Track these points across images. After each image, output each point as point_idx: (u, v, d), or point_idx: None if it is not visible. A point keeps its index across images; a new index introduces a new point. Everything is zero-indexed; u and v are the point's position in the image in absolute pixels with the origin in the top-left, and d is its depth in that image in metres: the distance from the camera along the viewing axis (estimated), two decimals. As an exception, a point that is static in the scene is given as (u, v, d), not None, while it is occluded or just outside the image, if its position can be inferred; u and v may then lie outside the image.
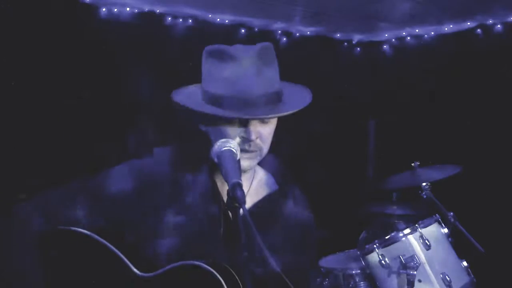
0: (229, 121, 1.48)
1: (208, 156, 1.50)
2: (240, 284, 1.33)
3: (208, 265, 1.36)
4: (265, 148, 1.56)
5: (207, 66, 1.53)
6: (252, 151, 1.51)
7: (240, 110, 1.44)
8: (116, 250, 1.45)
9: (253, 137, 1.48)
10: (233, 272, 1.36)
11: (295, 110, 1.49)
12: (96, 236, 1.45)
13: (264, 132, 1.53)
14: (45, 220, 1.48)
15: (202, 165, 1.58)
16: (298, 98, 1.57)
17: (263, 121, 1.51)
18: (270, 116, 1.47)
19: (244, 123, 1.49)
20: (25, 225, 1.48)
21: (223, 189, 1.57)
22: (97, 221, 1.49)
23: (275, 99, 1.50)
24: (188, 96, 1.55)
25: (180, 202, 1.52)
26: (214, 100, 1.48)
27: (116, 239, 1.47)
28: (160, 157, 1.62)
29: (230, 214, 1.52)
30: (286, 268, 1.54)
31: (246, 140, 1.49)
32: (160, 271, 1.42)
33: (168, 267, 1.42)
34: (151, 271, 1.44)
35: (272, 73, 1.53)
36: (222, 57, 1.48)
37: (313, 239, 1.76)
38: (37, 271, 1.45)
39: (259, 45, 1.52)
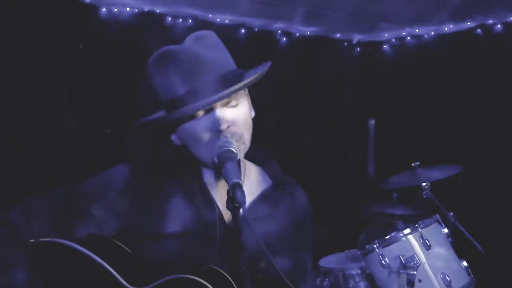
0: (194, 121, 1.43)
1: (194, 159, 1.49)
2: None
3: (203, 275, 1.30)
4: (246, 134, 1.46)
5: (155, 77, 1.48)
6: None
7: (184, 106, 1.37)
8: (103, 262, 1.35)
9: (223, 125, 1.39)
10: (230, 279, 1.32)
11: (226, 93, 1.36)
12: (81, 248, 1.36)
13: (235, 116, 1.44)
14: (29, 228, 1.42)
15: (189, 168, 1.54)
16: (249, 76, 1.46)
17: (227, 105, 1.43)
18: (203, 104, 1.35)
19: (209, 116, 1.42)
20: (10, 233, 1.41)
21: (216, 192, 1.54)
22: (85, 229, 1.44)
23: (224, 82, 1.39)
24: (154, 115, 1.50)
25: (171, 208, 1.48)
26: (167, 105, 1.44)
27: (104, 249, 1.40)
28: (148, 162, 1.57)
29: (224, 215, 1.50)
30: (286, 265, 1.53)
31: (219, 132, 1.40)
32: (152, 284, 1.35)
33: (161, 280, 1.35)
34: (142, 284, 1.36)
35: (216, 57, 1.44)
36: (162, 63, 1.44)
37: (311, 230, 1.69)
38: (21, 282, 1.36)
39: (192, 36, 1.47)
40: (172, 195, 1.50)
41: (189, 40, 1.48)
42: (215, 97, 1.36)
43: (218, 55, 1.46)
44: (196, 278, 1.30)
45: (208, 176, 1.56)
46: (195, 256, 1.45)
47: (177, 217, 1.48)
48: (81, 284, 1.39)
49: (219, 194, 1.54)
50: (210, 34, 1.51)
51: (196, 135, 1.44)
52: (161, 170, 1.55)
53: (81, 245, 1.37)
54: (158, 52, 1.46)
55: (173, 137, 1.53)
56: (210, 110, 1.42)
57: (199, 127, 1.43)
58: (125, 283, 1.36)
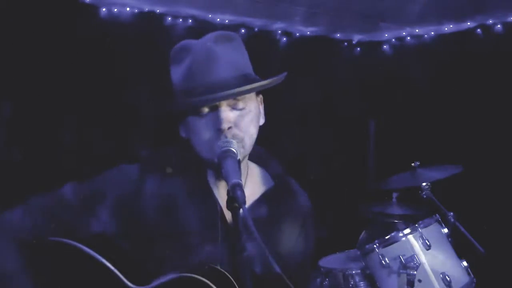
0: (199, 116, 1.43)
1: (198, 159, 1.49)
2: None
3: (204, 274, 1.31)
4: (247, 138, 1.46)
5: (172, 67, 1.50)
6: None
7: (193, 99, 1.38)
8: (105, 261, 1.36)
9: (224, 125, 1.39)
10: (231, 278, 1.32)
11: (235, 91, 1.37)
12: (84, 247, 1.37)
13: (238, 119, 1.44)
14: (33, 228, 1.43)
15: (193, 167, 1.54)
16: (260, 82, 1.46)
17: (233, 106, 1.44)
18: (211, 97, 1.36)
19: (214, 114, 1.42)
20: (14, 233, 1.42)
21: (218, 191, 1.55)
22: (87, 228, 1.45)
23: (233, 83, 1.40)
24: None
25: (173, 207, 1.49)
26: (178, 96, 1.46)
27: (107, 248, 1.41)
28: (150, 161, 1.57)
29: (226, 215, 1.51)
30: (286, 265, 1.53)
31: (220, 131, 1.41)
32: (154, 283, 1.36)
33: (163, 279, 1.36)
34: (144, 283, 1.36)
35: (233, 58, 1.46)
36: (180, 54, 1.46)
37: (312, 231, 1.69)
38: (23, 281, 1.37)
39: (214, 33, 1.48)
40: (175, 195, 1.50)
41: (209, 37, 1.48)
42: (212, 96, 1.37)
43: (234, 57, 1.47)
44: (198, 277, 1.31)
45: (211, 176, 1.57)
46: (197, 255, 1.45)
47: (180, 216, 1.49)
48: (83, 283, 1.40)
49: (221, 194, 1.55)
50: (232, 36, 1.53)
51: (198, 131, 1.44)
52: (166, 170, 1.55)
53: (83, 244, 1.38)
54: (178, 44, 1.48)
55: (181, 128, 1.54)
56: (215, 108, 1.43)
57: (202, 123, 1.44)
58: (127, 282, 1.37)
